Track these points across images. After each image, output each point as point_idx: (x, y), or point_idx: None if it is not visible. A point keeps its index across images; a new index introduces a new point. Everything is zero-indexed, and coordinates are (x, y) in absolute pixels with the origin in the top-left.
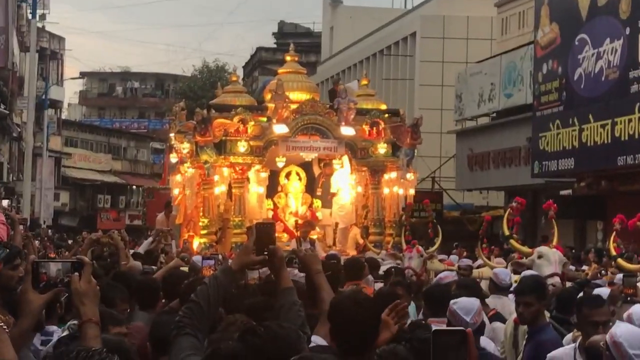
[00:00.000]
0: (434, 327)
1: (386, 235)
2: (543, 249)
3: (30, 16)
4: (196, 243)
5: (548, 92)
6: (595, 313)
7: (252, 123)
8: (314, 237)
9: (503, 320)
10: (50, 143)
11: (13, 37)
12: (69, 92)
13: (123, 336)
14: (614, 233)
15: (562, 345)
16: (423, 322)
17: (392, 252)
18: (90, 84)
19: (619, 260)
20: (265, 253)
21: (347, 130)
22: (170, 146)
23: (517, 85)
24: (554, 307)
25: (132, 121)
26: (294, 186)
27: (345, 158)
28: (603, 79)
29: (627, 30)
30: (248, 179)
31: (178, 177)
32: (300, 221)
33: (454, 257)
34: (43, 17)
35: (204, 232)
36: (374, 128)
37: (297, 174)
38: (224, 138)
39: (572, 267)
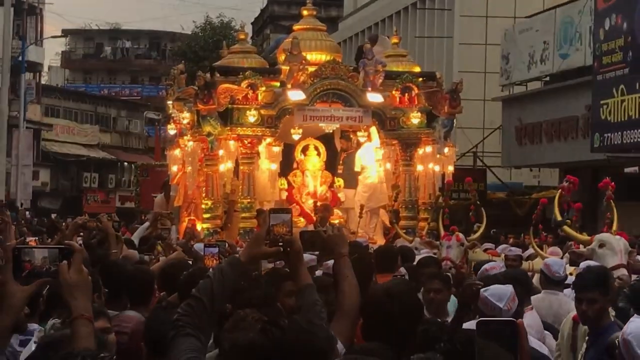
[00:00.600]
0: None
1: (420, 220)
2: (605, 236)
3: None
4: (198, 229)
5: (611, 52)
6: None
7: (263, 89)
8: (335, 222)
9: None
10: (28, 113)
11: None
12: (50, 53)
13: (104, 332)
14: None
15: None
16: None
17: (427, 240)
18: (74, 43)
19: None
20: (280, 244)
21: (374, 97)
22: (167, 116)
23: (574, 43)
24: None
25: (123, 87)
26: (312, 162)
27: (373, 129)
28: None
29: None
30: (258, 154)
31: (177, 152)
32: (319, 203)
33: (503, 246)
34: None
35: (207, 215)
36: (406, 94)
37: (316, 148)
38: (230, 106)
39: None
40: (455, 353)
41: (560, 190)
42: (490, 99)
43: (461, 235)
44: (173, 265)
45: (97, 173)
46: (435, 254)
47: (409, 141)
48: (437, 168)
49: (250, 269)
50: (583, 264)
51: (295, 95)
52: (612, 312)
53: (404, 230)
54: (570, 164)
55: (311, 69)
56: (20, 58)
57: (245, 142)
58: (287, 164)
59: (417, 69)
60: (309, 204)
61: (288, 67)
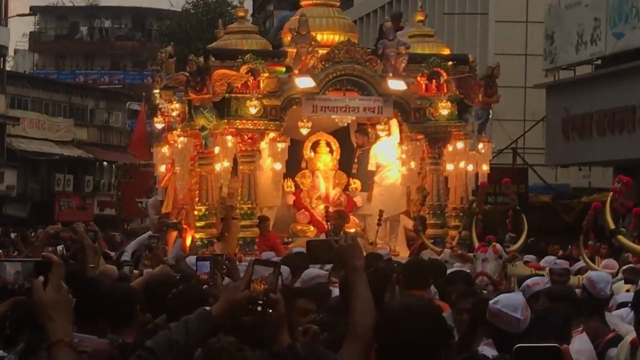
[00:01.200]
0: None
1: (450, 228)
2: None
3: None
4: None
5: None
6: None
7: (266, 75)
8: (351, 230)
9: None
10: None
11: None
12: (16, 34)
13: None
14: None
15: None
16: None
17: (459, 252)
18: (45, 23)
19: None
20: (260, 304)
21: (396, 84)
22: (154, 107)
23: (630, 21)
24: None
25: (102, 73)
26: (324, 161)
27: (393, 122)
28: None
29: None
30: (260, 152)
31: (165, 150)
32: (331, 209)
33: (548, 259)
34: None
35: (201, 224)
36: (433, 81)
37: (328, 144)
38: (227, 95)
39: None
40: None
41: (611, 192)
42: (532, 86)
43: (499, 246)
44: (160, 282)
45: (71, 174)
46: (467, 268)
47: (437, 136)
48: (469, 167)
49: (223, 323)
50: None
51: (304, 83)
52: None
53: (432, 240)
54: (627, 161)
55: (322, 51)
56: None
57: (245, 137)
58: (294, 163)
59: (447, 51)
60: (320, 209)
61: (295, 50)
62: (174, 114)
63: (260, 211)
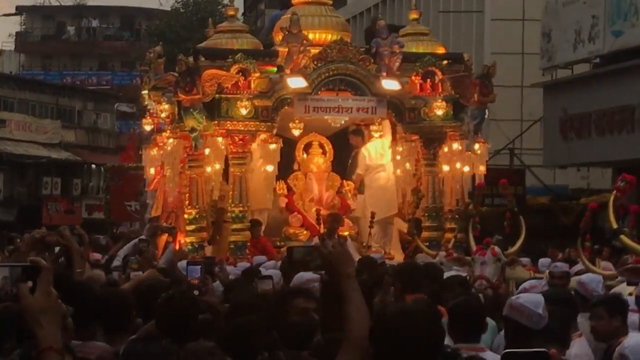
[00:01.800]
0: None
1: (445, 230)
2: None
3: None
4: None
5: None
6: None
7: (257, 75)
8: (345, 234)
9: None
10: None
11: None
12: (2, 34)
13: None
14: None
15: None
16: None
17: (455, 256)
18: (31, 23)
19: None
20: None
21: (390, 84)
22: (142, 108)
23: (629, 18)
24: None
25: (90, 74)
26: (317, 163)
27: (385, 123)
28: None
29: None
30: (251, 153)
31: (154, 152)
32: (323, 211)
33: (543, 261)
34: None
35: (191, 227)
36: (428, 80)
37: (321, 145)
38: (217, 96)
39: None
40: None
41: (614, 191)
42: (529, 85)
43: (497, 249)
44: (150, 286)
45: (59, 177)
46: (464, 271)
47: (432, 136)
48: (466, 168)
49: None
50: None
51: (296, 83)
52: None
53: (427, 244)
54: (626, 162)
55: (314, 50)
56: None
57: (236, 139)
58: (287, 165)
59: (442, 50)
60: (313, 212)
61: (286, 49)
62: (163, 115)
63: (251, 214)
